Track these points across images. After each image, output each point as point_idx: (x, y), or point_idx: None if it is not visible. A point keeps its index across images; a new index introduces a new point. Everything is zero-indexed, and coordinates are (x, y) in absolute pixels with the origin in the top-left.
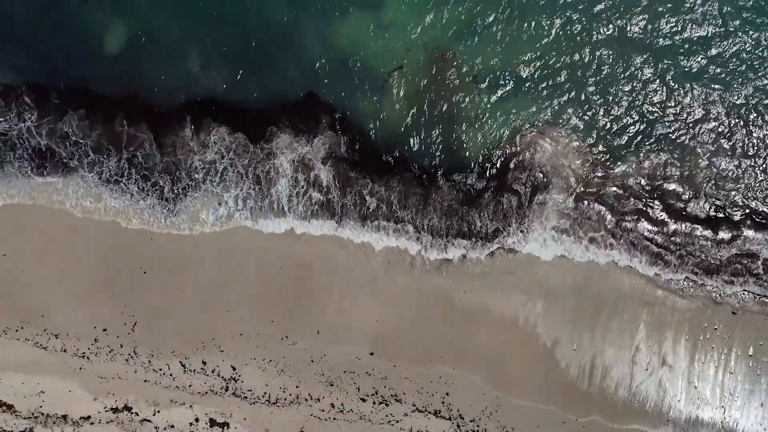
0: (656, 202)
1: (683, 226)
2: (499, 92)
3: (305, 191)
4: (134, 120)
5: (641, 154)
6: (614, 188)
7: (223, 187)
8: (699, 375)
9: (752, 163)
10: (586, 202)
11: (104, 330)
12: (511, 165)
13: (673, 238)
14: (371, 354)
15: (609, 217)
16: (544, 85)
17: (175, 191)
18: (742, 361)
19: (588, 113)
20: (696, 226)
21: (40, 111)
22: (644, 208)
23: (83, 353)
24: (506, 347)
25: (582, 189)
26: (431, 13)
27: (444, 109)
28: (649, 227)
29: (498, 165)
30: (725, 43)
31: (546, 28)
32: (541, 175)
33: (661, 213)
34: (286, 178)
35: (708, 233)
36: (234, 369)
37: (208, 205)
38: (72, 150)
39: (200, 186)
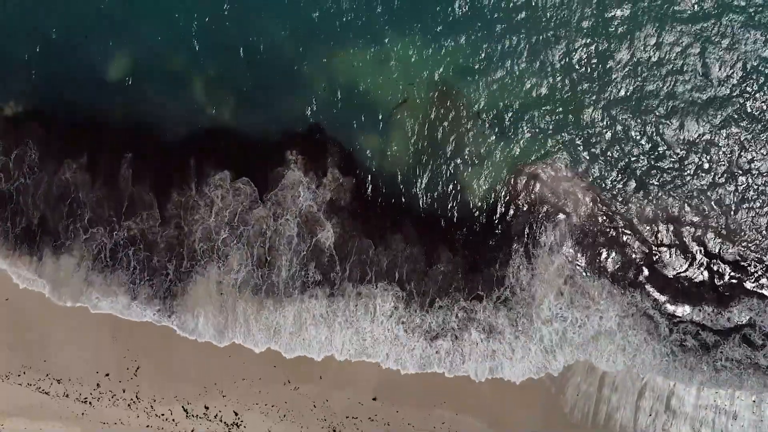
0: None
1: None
2: (502, 129)
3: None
4: (138, 174)
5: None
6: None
7: (225, 268)
8: None
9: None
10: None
11: (106, 375)
12: (515, 212)
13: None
14: (374, 399)
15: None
16: (547, 122)
17: (177, 279)
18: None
19: (595, 155)
20: None
21: (41, 154)
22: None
23: (85, 398)
24: (509, 392)
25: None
26: (434, 50)
27: (447, 146)
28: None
29: (501, 213)
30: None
31: (550, 67)
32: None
33: None
34: (289, 252)
35: None
36: (236, 414)
37: (209, 293)
38: (67, 224)
39: (204, 270)
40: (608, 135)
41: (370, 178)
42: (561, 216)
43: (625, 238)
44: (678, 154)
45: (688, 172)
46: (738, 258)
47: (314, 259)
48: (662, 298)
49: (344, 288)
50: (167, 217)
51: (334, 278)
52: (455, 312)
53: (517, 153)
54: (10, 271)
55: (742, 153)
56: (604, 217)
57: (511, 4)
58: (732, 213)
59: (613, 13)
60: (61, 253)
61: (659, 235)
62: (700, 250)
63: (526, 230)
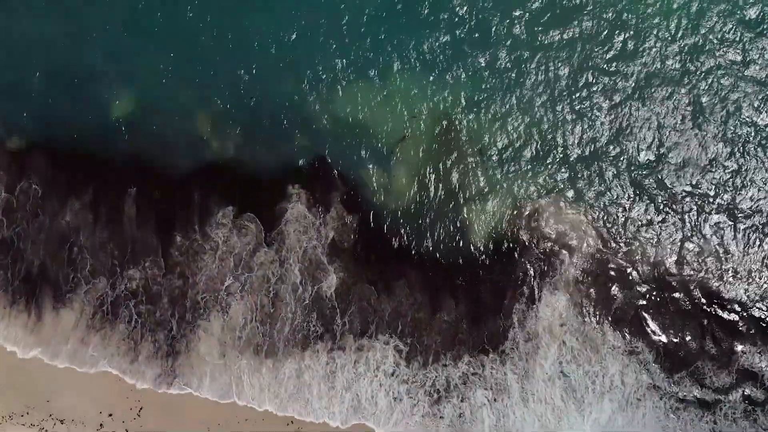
0: None
1: None
2: (505, 165)
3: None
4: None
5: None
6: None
7: (229, 323)
8: None
9: None
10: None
11: (110, 415)
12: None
13: None
14: None
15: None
16: (551, 157)
17: (180, 335)
18: None
19: (599, 192)
20: None
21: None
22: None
23: None
24: None
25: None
26: (436, 85)
27: (449, 182)
28: None
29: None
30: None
31: (554, 104)
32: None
33: None
34: (293, 302)
35: None
36: None
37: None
38: (67, 273)
39: (208, 324)
40: (613, 173)
41: (372, 216)
42: (564, 258)
43: (627, 283)
44: (683, 194)
45: (692, 212)
46: (741, 305)
47: (315, 308)
48: (663, 350)
49: (345, 341)
50: (171, 264)
51: (335, 330)
52: (460, 368)
53: (521, 190)
54: (3, 339)
55: (746, 194)
56: (608, 259)
57: (515, 41)
58: (736, 256)
59: (621, 52)
60: (62, 307)
61: (662, 279)
62: (703, 296)
63: (529, 274)
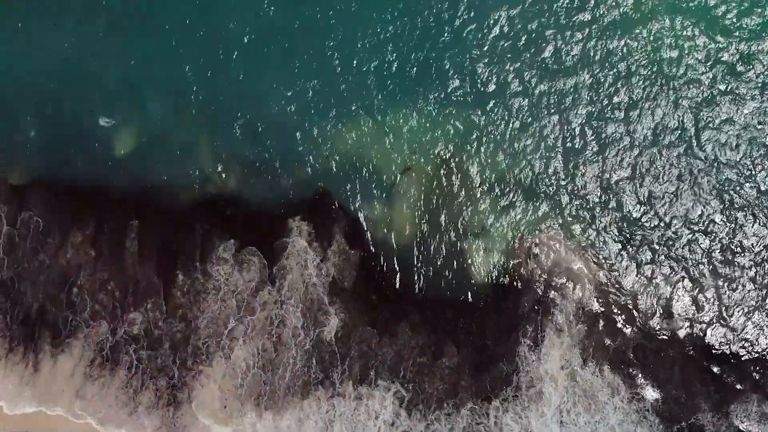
0: None
1: None
2: (506, 201)
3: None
4: (144, 248)
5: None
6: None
7: (231, 369)
8: None
9: None
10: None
11: None
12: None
13: None
14: None
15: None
16: (552, 194)
17: (181, 383)
18: None
19: (601, 231)
20: None
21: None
22: None
23: None
24: None
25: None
26: (436, 120)
27: (449, 217)
28: None
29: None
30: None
31: (556, 139)
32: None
33: None
34: (294, 347)
35: None
36: None
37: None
38: (66, 317)
39: (210, 369)
40: (617, 209)
41: (373, 252)
42: (565, 298)
43: (628, 326)
44: (684, 238)
45: (694, 256)
46: (742, 353)
47: (316, 352)
48: (662, 399)
49: (345, 388)
50: (173, 306)
51: (335, 377)
52: (463, 417)
53: (521, 226)
54: None
55: (748, 240)
56: (609, 300)
57: (514, 81)
58: (737, 302)
59: (621, 97)
60: (60, 354)
61: (662, 323)
62: (704, 343)
63: (531, 315)
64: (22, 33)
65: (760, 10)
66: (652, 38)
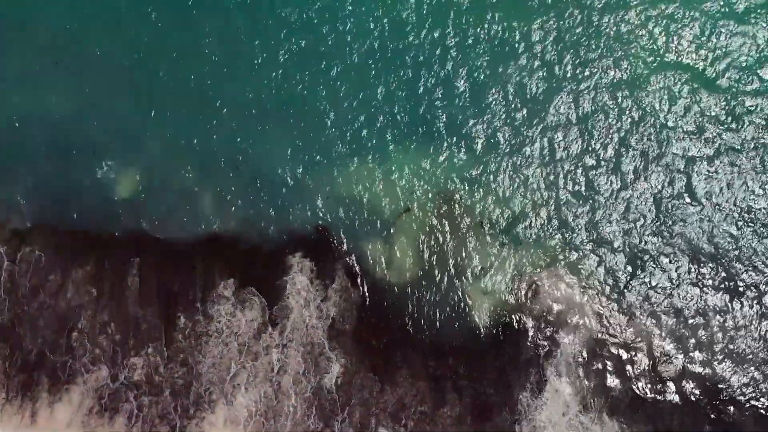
0: None
1: None
2: (509, 239)
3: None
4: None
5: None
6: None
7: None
8: None
9: None
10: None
11: None
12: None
13: None
14: None
15: None
16: (554, 233)
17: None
18: None
19: (606, 270)
20: None
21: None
22: None
23: None
24: None
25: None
26: (437, 158)
27: (450, 257)
28: None
29: (507, 336)
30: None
31: (557, 177)
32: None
33: None
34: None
35: None
36: None
37: None
38: (66, 361)
39: (212, 416)
40: (618, 252)
41: (374, 293)
42: (567, 340)
43: (630, 369)
44: (690, 279)
45: (698, 298)
46: (746, 400)
47: (316, 399)
48: None
49: None
50: (174, 350)
51: (336, 425)
52: None
53: (522, 266)
54: None
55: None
56: (612, 343)
57: (516, 117)
58: (741, 348)
59: (625, 134)
60: (58, 402)
61: (664, 367)
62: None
63: (533, 359)
64: (23, 77)
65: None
66: (647, 92)
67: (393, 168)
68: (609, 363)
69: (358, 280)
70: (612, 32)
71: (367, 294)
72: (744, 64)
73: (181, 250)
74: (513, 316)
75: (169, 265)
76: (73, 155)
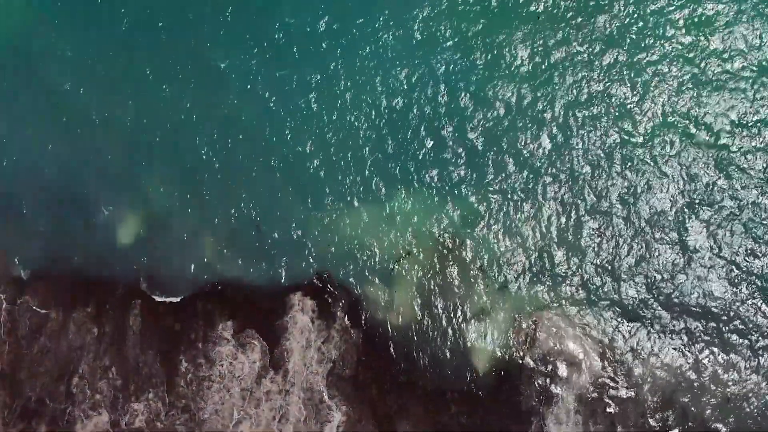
0: None
1: None
2: (508, 283)
3: None
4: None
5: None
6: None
7: None
8: None
9: None
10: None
11: None
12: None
13: None
14: None
15: None
16: (553, 277)
17: None
18: None
19: (607, 313)
20: None
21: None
22: None
23: None
24: None
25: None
26: (437, 202)
27: (451, 300)
28: None
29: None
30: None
31: (558, 221)
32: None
33: None
34: None
35: None
36: None
37: None
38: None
39: None
40: (619, 295)
41: (374, 337)
42: (568, 384)
43: (632, 414)
44: (691, 321)
45: (704, 342)
46: None
47: None
48: None
49: None
50: (176, 395)
51: None
52: None
53: (523, 309)
54: None
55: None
56: (612, 388)
57: (514, 164)
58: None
59: (625, 179)
60: None
61: (666, 411)
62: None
63: (534, 404)
64: (24, 124)
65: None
66: (641, 145)
67: (393, 214)
68: (609, 409)
69: (359, 323)
70: (606, 87)
71: (367, 337)
72: (738, 121)
73: (183, 293)
74: (513, 361)
75: (170, 311)
76: (74, 201)
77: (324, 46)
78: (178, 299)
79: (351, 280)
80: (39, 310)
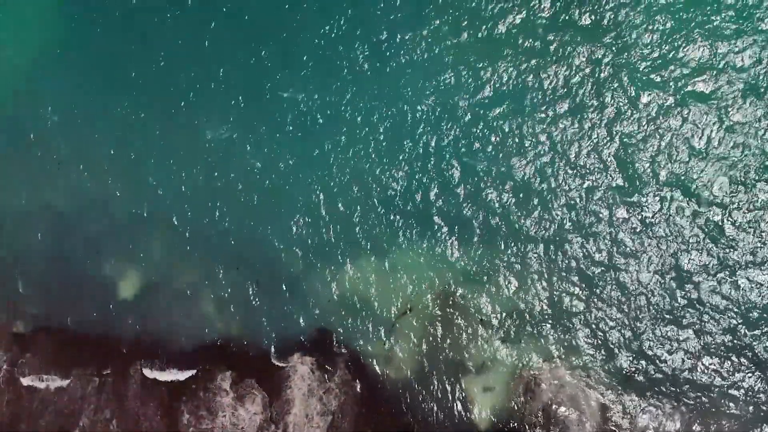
0: None
1: None
2: (508, 337)
3: None
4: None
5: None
6: None
7: None
8: None
9: None
10: None
11: None
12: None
13: None
14: None
15: None
16: (556, 328)
17: None
18: None
19: (610, 368)
20: None
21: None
22: None
23: None
24: None
25: None
26: (437, 256)
27: (451, 354)
28: None
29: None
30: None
31: (559, 272)
32: None
33: None
34: None
35: None
36: None
37: None
38: None
39: None
40: (619, 345)
41: (374, 390)
42: None
43: None
44: (696, 374)
45: (708, 397)
46: None
47: None
48: None
49: None
50: None
51: None
52: None
53: (523, 360)
54: None
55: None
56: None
57: (515, 216)
58: None
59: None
60: None
61: None
62: None
63: None
64: (25, 179)
65: None
66: (645, 198)
67: (393, 268)
68: None
69: (358, 377)
70: (607, 142)
71: (368, 390)
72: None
73: (183, 349)
74: (514, 414)
75: (171, 364)
76: (75, 254)
77: (317, 114)
78: (179, 353)
79: (351, 333)
80: (40, 367)
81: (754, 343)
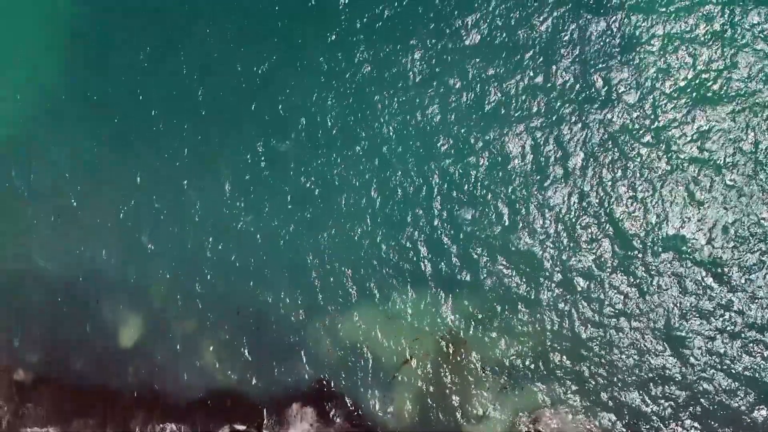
0: None
1: None
2: (511, 383)
3: None
4: None
5: None
6: None
7: None
8: None
9: None
10: None
11: None
12: None
13: None
14: None
15: None
16: (559, 375)
17: None
18: None
19: (617, 415)
20: None
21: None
22: None
23: None
24: None
25: None
26: (438, 304)
27: (452, 401)
28: None
29: None
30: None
31: (561, 318)
32: None
33: None
34: None
35: None
36: None
37: None
38: None
39: None
40: (625, 391)
41: None
42: None
43: None
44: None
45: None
46: None
47: None
48: None
49: None
50: None
51: None
52: None
53: (526, 408)
54: None
55: None
56: None
57: (518, 256)
58: None
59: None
60: None
61: None
62: None
63: None
64: (22, 228)
65: None
66: (651, 247)
67: (394, 316)
68: None
69: (359, 425)
70: (609, 191)
71: None
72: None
73: (182, 401)
74: None
75: (170, 417)
76: (74, 303)
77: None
78: (179, 407)
79: (351, 383)
80: (39, 418)
81: (755, 410)
